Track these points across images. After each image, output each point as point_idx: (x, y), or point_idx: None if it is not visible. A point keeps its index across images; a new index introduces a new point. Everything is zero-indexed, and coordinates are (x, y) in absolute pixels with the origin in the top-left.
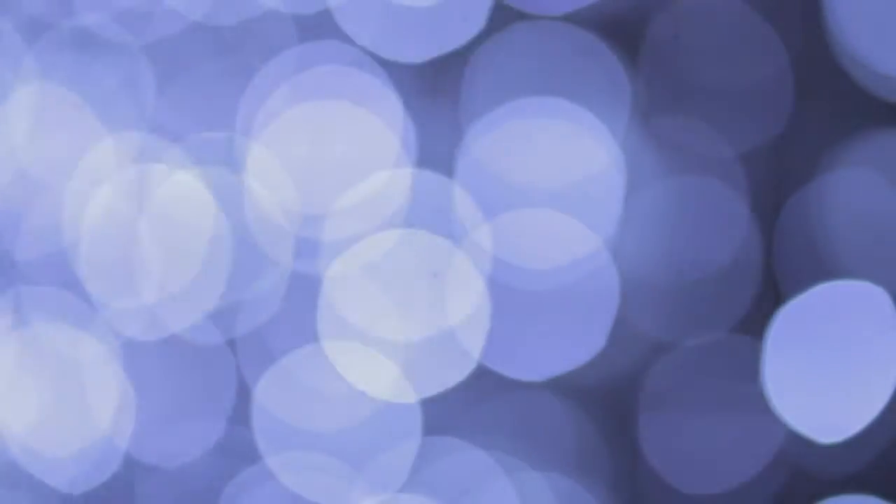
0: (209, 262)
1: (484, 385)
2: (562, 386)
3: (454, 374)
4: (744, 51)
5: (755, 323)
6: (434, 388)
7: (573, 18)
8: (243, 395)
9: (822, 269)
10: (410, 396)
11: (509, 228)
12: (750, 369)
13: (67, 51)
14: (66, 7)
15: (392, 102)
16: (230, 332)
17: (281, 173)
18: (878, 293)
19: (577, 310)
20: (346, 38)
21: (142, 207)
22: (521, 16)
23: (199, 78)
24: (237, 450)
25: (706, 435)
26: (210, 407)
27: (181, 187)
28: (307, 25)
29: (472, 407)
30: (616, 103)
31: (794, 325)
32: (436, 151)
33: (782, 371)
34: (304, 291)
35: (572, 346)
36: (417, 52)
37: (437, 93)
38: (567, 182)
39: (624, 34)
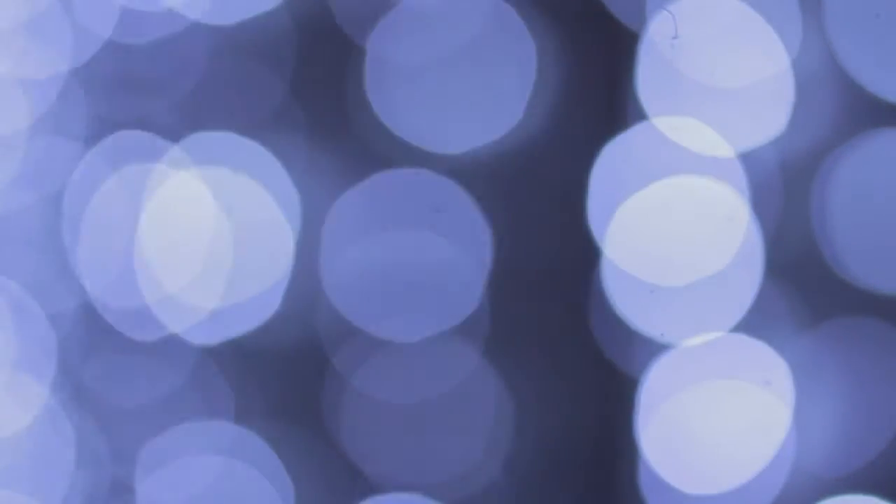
0: (209, 262)
1: (483, 384)
2: (561, 386)
3: (454, 373)
4: (744, 51)
5: (755, 323)
6: (434, 386)
7: (572, 17)
8: (244, 395)
9: (822, 269)
10: (410, 396)
11: (509, 228)
12: (750, 369)
13: (67, 51)
14: (66, 7)
15: (392, 102)
16: (230, 332)
17: (281, 173)
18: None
19: (577, 309)
20: (347, 39)
21: (142, 207)
22: (521, 16)
23: (199, 78)
24: (237, 450)
25: (706, 435)
26: (210, 407)
27: (181, 187)
28: (307, 25)
29: (472, 407)
30: (615, 103)
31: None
32: (435, 151)
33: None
34: (304, 291)
35: (573, 344)
36: (417, 51)
37: (437, 92)
38: (567, 182)
39: (624, 34)
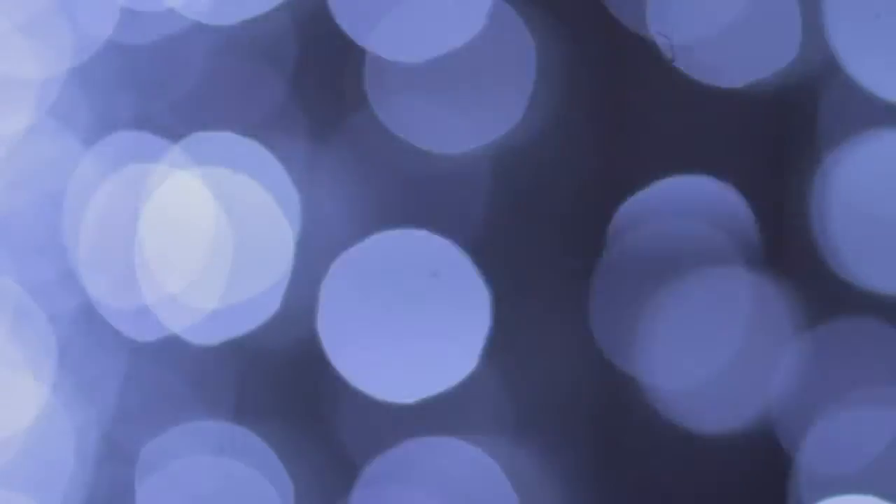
0: (209, 262)
1: (484, 384)
2: (561, 385)
3: (454, 374)
4: (745, 51)
5: (757, 322)
6: (434, 388)
7: (572, 17)
8: (243, 395)
9: (823, 269)
10: (410, 396)
11: (510, 228)
12: (749, 368)
13: (67, 51)
14: (66, 7)
15: (392, 102)
16: (230, 332)
17: (281, 173)
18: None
19: (577, 309)
20: (346, 38)
21: (142, 207)
22: (521, 16)
23: (199, 78)
24: (237, 450)
25: (706, 434)
26: (210, 407)
27: (181, 187)
28: (307, 25)
29: (472, 407)
30: (615, 103)
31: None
32: (435, 151)
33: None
34: (304, 291)
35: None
36: (417, 51)
37: (437, 92)
38: (567, 182)
39: (624, 34)
